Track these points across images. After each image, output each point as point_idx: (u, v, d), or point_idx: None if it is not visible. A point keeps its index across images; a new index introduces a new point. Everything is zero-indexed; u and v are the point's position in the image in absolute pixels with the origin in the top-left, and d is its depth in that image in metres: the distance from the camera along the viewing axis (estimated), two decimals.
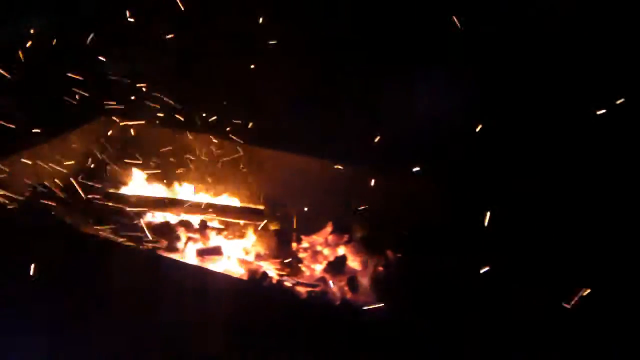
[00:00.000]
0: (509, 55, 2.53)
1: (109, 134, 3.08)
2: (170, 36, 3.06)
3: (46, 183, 2.75)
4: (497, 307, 2.06)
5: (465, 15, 2.56)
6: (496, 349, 1.91)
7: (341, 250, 2.61)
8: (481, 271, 2.18)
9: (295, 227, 2.70)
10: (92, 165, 3.02)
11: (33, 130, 2.78)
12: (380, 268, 2.45)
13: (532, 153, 2.44)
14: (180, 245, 2.59)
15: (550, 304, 2.04)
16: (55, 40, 3.12)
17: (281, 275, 2.46)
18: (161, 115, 2.97)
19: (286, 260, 2.52)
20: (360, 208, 2.65)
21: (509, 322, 2.00)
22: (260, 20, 2.92)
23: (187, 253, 2.57)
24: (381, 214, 2.58)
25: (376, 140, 2.64)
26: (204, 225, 2.71)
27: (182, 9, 2.98)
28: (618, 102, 2.34)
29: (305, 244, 2.67)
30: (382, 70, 2.72)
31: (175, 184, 2.98)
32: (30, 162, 2.77)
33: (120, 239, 2.54)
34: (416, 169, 2.52)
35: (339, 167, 2.68)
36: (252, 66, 2.92)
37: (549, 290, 2.08)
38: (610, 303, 2.03)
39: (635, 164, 2.31)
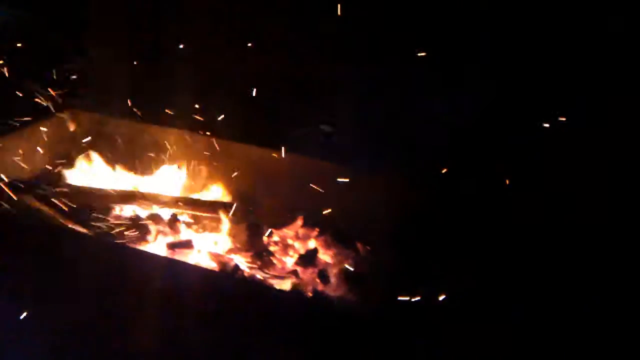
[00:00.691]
0: (508, 56, 2.53)
1: (76, 127, 3.03)
2: (144, 29, 3.03)
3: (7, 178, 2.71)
4: (497, 307, 2.07)
5: (465, 15, 2.56)
6: (496, 349, 1.93)
7: (312, 244, 2.64)
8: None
9: (266, 220, 2.71)
10: (58, 159, 2.97)
11: None
12: (349, 261, 2.50)
13: (531, 153, 2.44)
14: (150, 239, 2.58)
15: (550, 303, 2.06)
16: (21, 33, 3.05)
17: (252, 268, 2.47)
18: (133, 109, 2.94)
19: (257, 253, 2.54)
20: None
21: (509, 322, 2.01)
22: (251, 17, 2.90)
23: (158, 247, 2.56)
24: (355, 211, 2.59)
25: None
26: (174, 219, 2.70)
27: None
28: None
29: (276, 237, 2.68)
30: (375, 69, 2.72)
31: (145, 178, 2.95)
32: None
33: (89, 233, 2.51)
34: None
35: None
36: (238, 64, 2.90)
37: (549, 290, 2.10)
38: (610, 303, 2.06)
39: (634, 164, 2.34)
